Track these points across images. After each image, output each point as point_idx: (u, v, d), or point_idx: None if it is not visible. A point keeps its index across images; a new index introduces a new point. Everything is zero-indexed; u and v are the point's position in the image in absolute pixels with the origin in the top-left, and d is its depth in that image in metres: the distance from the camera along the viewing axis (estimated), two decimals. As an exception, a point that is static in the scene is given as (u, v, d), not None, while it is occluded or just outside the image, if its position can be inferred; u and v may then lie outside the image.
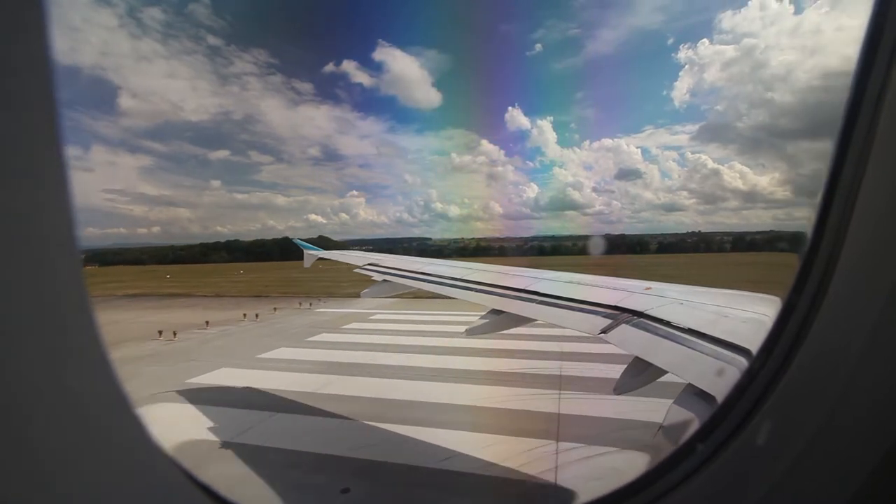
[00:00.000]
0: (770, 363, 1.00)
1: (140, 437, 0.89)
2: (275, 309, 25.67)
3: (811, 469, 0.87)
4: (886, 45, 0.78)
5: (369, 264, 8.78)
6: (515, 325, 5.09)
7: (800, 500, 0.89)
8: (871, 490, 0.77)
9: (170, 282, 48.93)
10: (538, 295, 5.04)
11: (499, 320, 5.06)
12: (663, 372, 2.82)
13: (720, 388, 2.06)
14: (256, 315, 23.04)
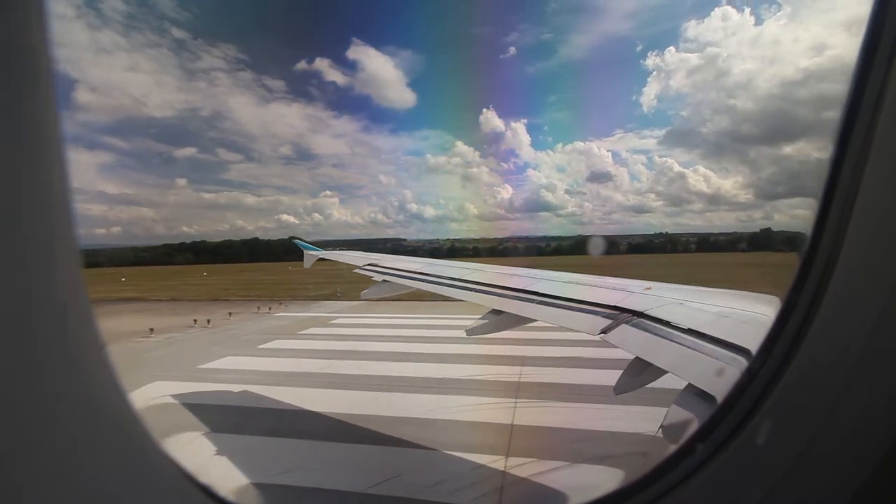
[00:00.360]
0: (769, 363, 1.01)
1: (140, 436, 0.90)
2: (230, 314, 24.10)
3: (811, 469, 0.87)
4: (885, 45, 0.79)
5: (369, 264, 8.68)
6: (515, 326, 5.01)
7: (800, 500, 0.89)
8: (872, 490, 0.77)
9: (124, 285, 45.84)
10: (538, 295, 4.96)
11: (499, 320, 4.98)
12: (663, 372, 2.77)
13: (720, 388, 2.02)
14: (208, 321, 21.37)
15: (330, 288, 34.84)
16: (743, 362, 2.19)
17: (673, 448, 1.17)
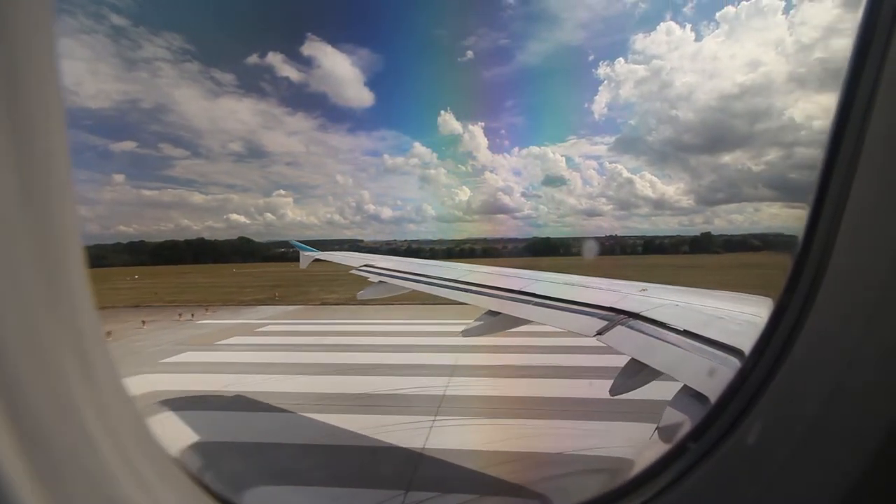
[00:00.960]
0: (762, 364, 1.02)
1: (144, 436, 0.92)
2: (143, 322, 21.26)
3: (802, 469, 0.88)
4: (877, 48, 0.79)
5: (365, 265, 8.68)
6: (512, 327, 4.96)
7: (792, 501, 0.90)
8: (863, 490, 0.77)
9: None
10: (534, 296, 4.96)
11: (494, 322, 4.94)
12: (658, 373, 2.79)
13: (715, 390, 2.02)
14: (110, 332, 18.59)
15: (270, 292, 33.24)
16: (737, 363, 2.12)
17: (666, 449, 1.17)
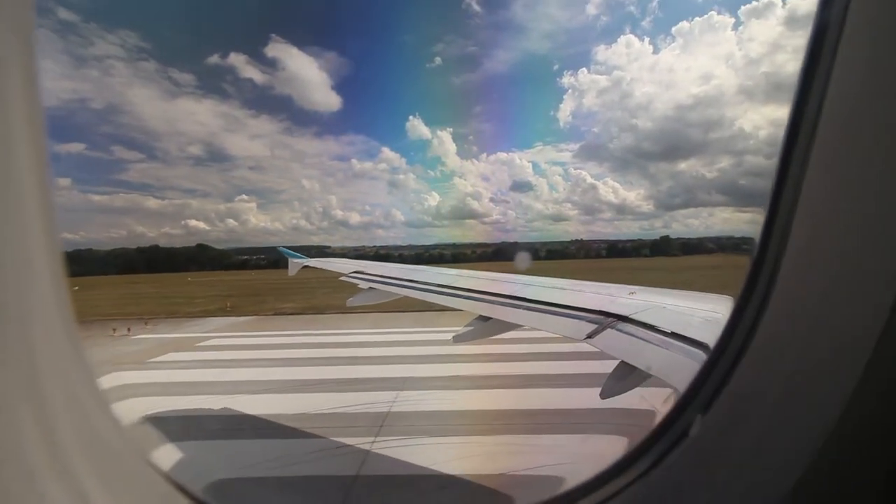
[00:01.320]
0: (723, 360, 1.05)
1: (119, 438, 0.90)
2: None
3: (756, 468, 0.92)
4: (826, 57, 0.83)
5: (355, 272, 8.64)
6: (503, 332, 4.98)
7: (745, 498, 0.93)
8: (812, 479, 0.81)
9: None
10: (525, 300, 5.02)
11: (485, 327, 4.97)
12: (648, 376, 2.82)
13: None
14: None
15: (223, 302, 31.45)
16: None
17: (623, 451, 1.23)
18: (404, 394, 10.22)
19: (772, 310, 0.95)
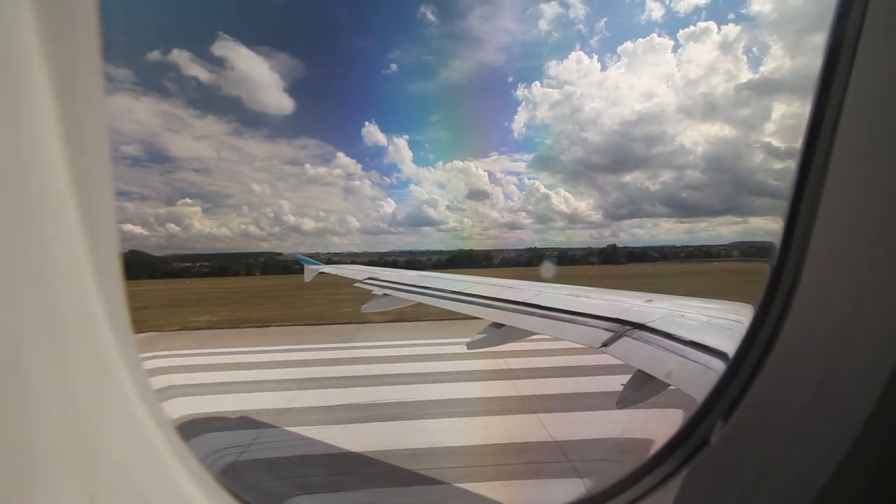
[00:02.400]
0: (742, 371, 1.04)
1: (173, 445, 0.90)
2: None
3: (778, 477, 0.91)
4: (844, 61, 0.82)
5: (369, 278, 8.71)
6: (517, 339, 4.96)
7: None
8: (837, 491, 0.80)
9: None
10: (539, 308, 4.99)
11: (499, 334, 4.97)
12: (666, 385, 2.81)
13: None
14: None
15: (136, 314, 28.45)
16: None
17: (646, 457, 1.20)
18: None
19: (793, 316, 0.94)
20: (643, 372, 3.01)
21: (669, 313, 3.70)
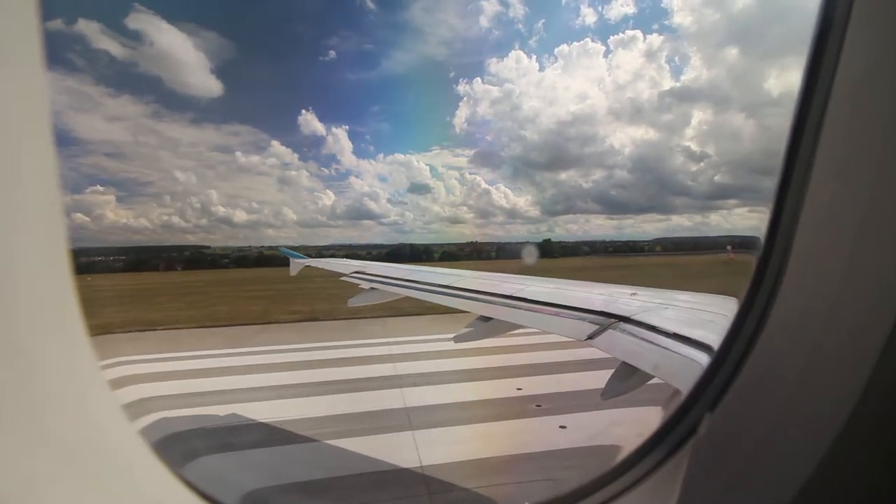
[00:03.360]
0: (728, 361, 1.06)
1: (128, 438, 0.90)
2: None
3: (764, 463, 0.92)
4: (830, 55, 0.83)
5: (355, 272, 8.67)
6: (504, 332, 4.99)
7: (755, 492, 0.94)
8: (822, 480, 0.81)
9: None
10: (525, 301, 5.02)
11: (486, 327, 4.98)
12: (649, 377, 2.85)
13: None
14: None
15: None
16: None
17: (630, 450, 1.20)
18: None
19: (778, 308, 0.95)
20: (627, 364, 3.04)
21: (653, 306, 3.73)
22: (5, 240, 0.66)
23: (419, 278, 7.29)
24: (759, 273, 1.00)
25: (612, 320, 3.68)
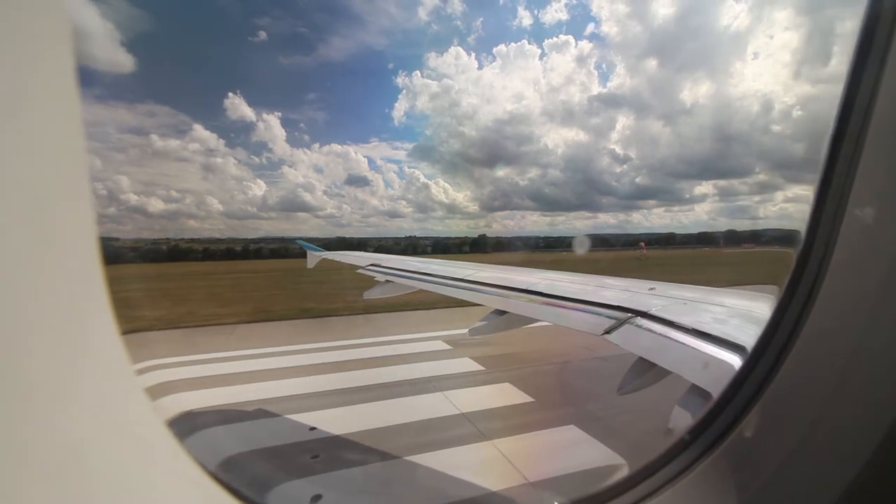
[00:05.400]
0: (764, 360, 1.03)
1: (159, 435, 0.90)
2: None
3: (800, 469, 0.90)
4: (878, 46, 0.80)
5: (371, 264, 8.76)
6: (518, 326, 4.95)
7: (790, 497, 0.91)
8: (863, 486, 0.78)
9: None
10: (541, 294, 4.99)
11: (501, 321, 4.97)
12: (667, 373, 2.84)
13: (720, 387, 1.76)
14: None
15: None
16: (742, 361, 1.97)
17: (665, 447, 1.19)
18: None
19: (818, 308, 0.91)
20: (644, 359, 3.03)
21: (672, 301, 3.70)
22: (38, 234, 0.66)
23: (433, 271, 7.33)
24: (798, 271, 0.96)
25: (630, 315, 3.68)
